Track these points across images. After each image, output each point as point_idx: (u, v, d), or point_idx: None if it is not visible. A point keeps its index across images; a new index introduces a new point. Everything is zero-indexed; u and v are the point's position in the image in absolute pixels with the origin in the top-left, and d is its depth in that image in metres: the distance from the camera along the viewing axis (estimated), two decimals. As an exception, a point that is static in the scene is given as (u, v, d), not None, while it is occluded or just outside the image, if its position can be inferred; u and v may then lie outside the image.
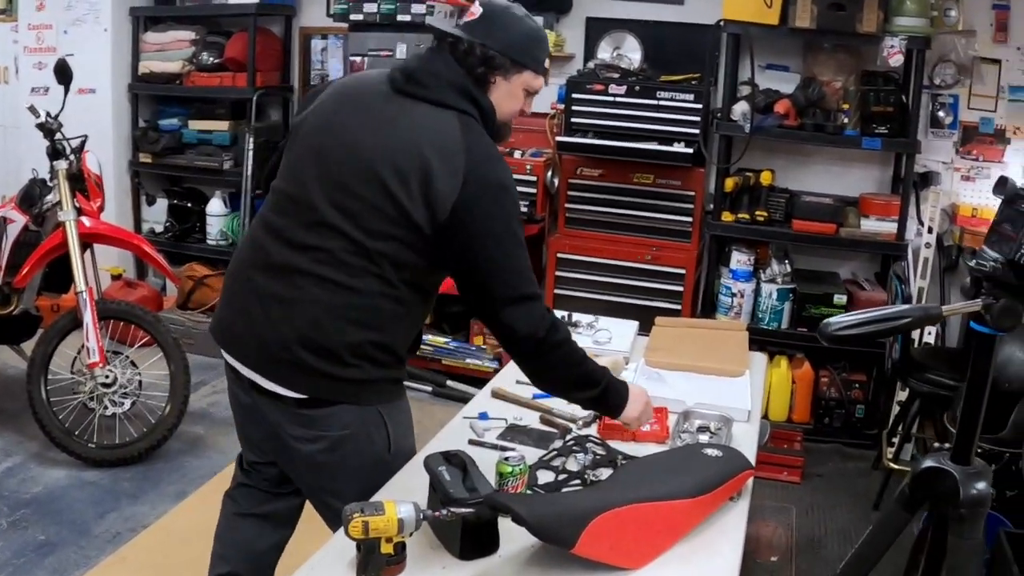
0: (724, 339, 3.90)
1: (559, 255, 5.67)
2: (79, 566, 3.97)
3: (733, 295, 5.50)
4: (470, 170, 2.40)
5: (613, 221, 5.63)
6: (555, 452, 2.89)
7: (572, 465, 2.81)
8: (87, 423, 4.86)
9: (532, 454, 2.86)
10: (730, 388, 3.44)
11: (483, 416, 3.10)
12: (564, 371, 2.66)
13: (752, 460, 2.79)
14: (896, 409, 5.16)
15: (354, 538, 2.08)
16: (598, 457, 2.86)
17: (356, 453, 2.63)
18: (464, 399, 5.67)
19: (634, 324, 4.02)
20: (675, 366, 3.58)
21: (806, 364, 5.57)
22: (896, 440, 5.01)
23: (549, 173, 5.73)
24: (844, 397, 5.53)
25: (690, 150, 5.28)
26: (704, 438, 3.01)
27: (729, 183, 5.49)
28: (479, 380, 5.72)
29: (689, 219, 5.53)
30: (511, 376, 3.47)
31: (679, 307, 5.53)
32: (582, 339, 3.59)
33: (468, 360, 5.97)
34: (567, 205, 5.70)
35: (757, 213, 5.48)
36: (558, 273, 5.67)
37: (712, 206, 5.61)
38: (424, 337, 5.85)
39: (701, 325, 4.14)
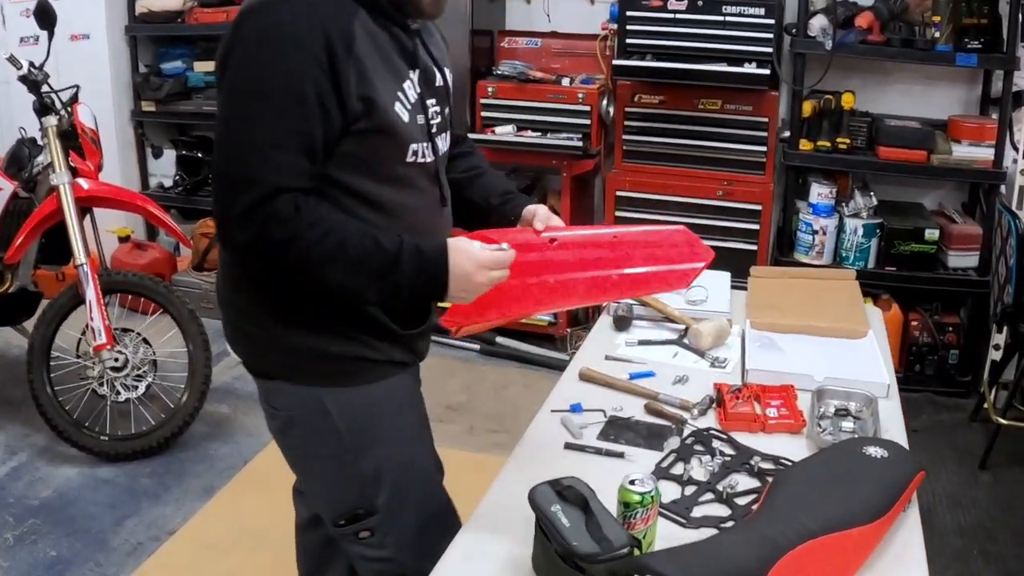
0: (833, 291, 3.32)
1: (618, 193, 5.07)
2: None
3: (814, 232, 4.94)
4: (239, 14, 1.96)
5: (677, 153, 5.03)
6: (674, 455, 2.31)
7: (698, 472, 2.24)
8: (98, 412, 4.33)
9: (645, 458, 2.30)
10: (856, 354, 2.89)
11: (576, 408, 2.52)
12: (311, 274, 1.98)
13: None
14: (992, 355, 4.75)
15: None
16: (727, 459, 2.29)
17: (305, 444, 2.30)
18: (517, 358, 5.16)
19: (725, 276, 3.42)
20: (786, 327, 3.00)
21: (894, 306, 5.04)
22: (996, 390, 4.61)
23: (604, 101, 5.09)
24: (937, 342, 5.05)
25: (765, 71, 4.65)
26: (848, 425, 2.46)
27: (807, 107, 4.90)
28: (532, 336, 5.22)
29: (763, 148, 4.94)
30: (596, 349, 2.89)
31: (755, 247, 4.96)
32: (671, 297, 3.08)
33: (519, 314, 5.34)
34: (625, 137, 5.09)
35: (838, 140, 4.90)
36: (617, 213, 5.07)
37: (788, 133, 4.98)
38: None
39: (803, 275, 3.55)
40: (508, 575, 1.91)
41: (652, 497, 1.88)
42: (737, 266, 3.80)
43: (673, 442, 2.36)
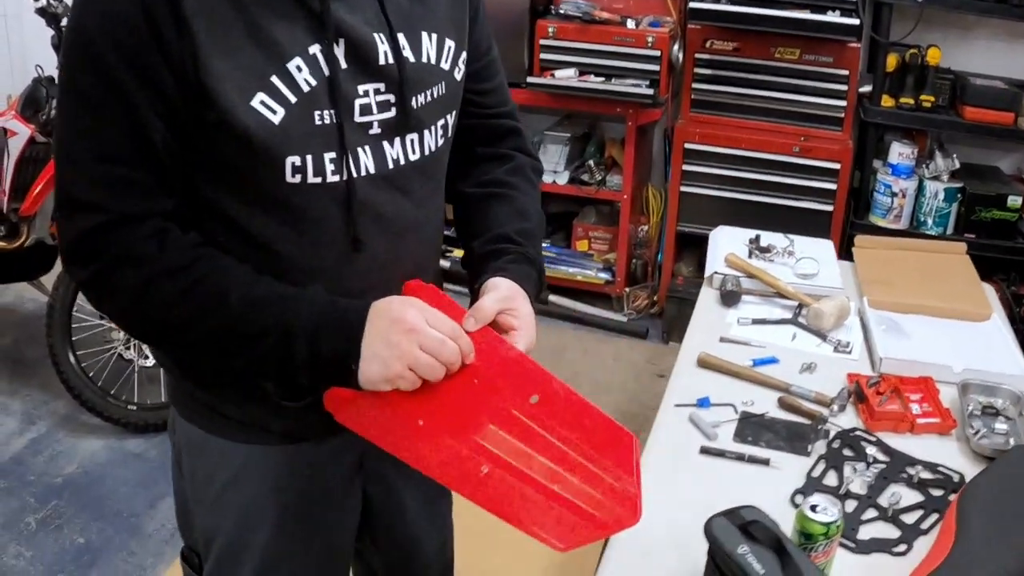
0: (946, 266, 3.05)
1: (686, 145, 4.73)
2: (131, 581, 3.16)
3: (893, 194, 4.63)
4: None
5: (751, 105, 4.69)
6: (823, 462, 2.04)
7: (856, 484, 1.97)
8: (124, 378, 4.03)
9: (791, 464, 2.04)
10: (985, 340, 2.64)
11: (703, 403, 2.25)
12: (157, 318, 1.48)
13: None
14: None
15: None
16: (883, 467, 2.02)
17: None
18: (571, 318, 4.87)
19: (828, 245, 3.14)
20: (904, 307, 2.74)
21: (972, 276, 4.69)
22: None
23: (675, 47, 4.76)
24: (1014, 314, 4.71)
25: (852, 20, 4.32)
26: (1001, 427, 2.23)
27: (892, 61, 4.55)
28: (587, 294, 4.93)
29: (842, 103, 4.61)
30: (706, 328, 2.62)
31: (830, 208, 4.65)
32: (779, 269, 2.82)
33: (572, 270, 5.09)
34: (694, 85, 4.74)
35: (922, 98, 4.56)
36: (685, 167, 4.75)
37: (869, 88, 4.65)
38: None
39: (910, 246, 3.25)
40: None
41: (837, 527, 1.62)
42: (811, 227, 3.54)
43: (819, 446, 2.09)
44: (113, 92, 1.37)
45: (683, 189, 4.78)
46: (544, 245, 4.87)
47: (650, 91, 4.62)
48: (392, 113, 1.53)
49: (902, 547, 1.82)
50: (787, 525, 1.63)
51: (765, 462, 2.04)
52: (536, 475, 1.42)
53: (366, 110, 1.50)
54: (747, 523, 1.54)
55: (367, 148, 1.51)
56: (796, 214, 4.55)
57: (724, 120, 4.72)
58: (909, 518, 1.90)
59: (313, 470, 1.73)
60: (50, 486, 3.63)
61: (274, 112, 1.40)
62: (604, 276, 4.99)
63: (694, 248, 4.87)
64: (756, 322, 2.64)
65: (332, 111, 1.44)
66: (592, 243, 5.06)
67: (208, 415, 1.68)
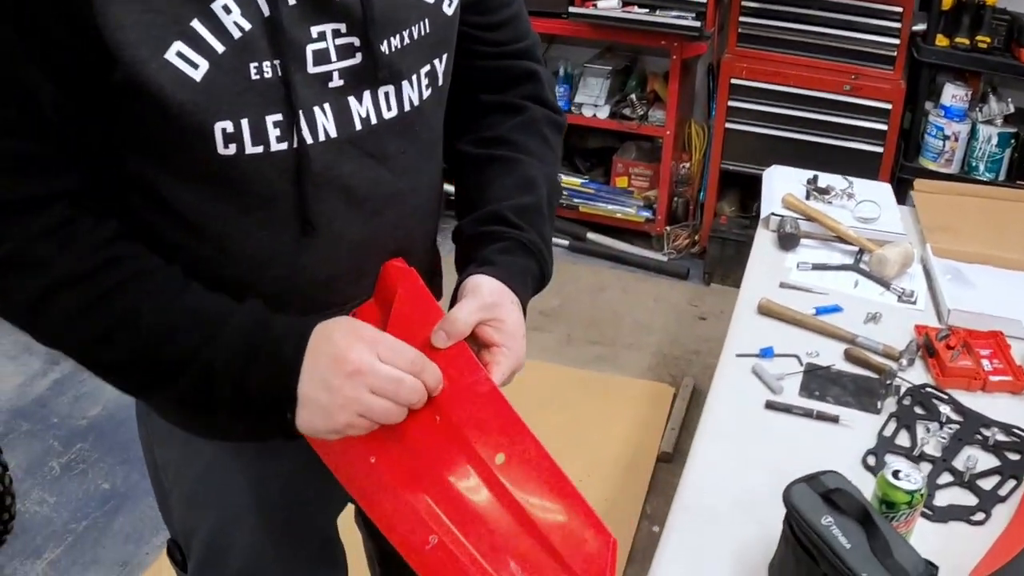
0: (1010, 213, 2.91)
1: (733, 80, 4.57)
2: (158, 531, 3.05)
3: (945, 138, 4.48)
4: None
5: (799, 40, 4.52)
6: (894, 420, 1.93)
7: (930, 446, 1.86)
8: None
9: (860, 422, 1.94)
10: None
11: (766, 353, 2.14)
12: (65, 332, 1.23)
13: None
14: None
15: None
16: (956, 427, 1.91)
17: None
18: (611, 256, 4.76)
19: (886, 188, 3.01)
20: (968, 256, 2.61)
21: (1021, 222, 4.54)
22: None
23: (722, -22, 4.60)
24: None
25: (911, -49, 4.16)
26: None
27: (947, -1, 4.39)
28: (627, 231, 4.81)
29: (895, 41, 4.44)
30: (765, 272, 2.51)
31: (880, 149, 4.49)
32: (838, 212, 2.69)
33: (611, 207, 4.95)
34: (741, 19, 4.57)
35: (978, 39, 4.39)
36: (731, 103, 4.59)
37: (923, 27, 4.49)
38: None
39: (971, 192, 3.12)
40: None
41: (921, 495, 1.52)
42: (860, 169, 3.40)
43: (889, 403, 1.98)
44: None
45: (728, 126, 4.62)
46: (582, 181, 4.81)
47: (696, 23, 4.46)
48: (357, 60, 1.22)
49: (980, 515, 1.72)
50: (859, 485, 1.52)
51: (834, 419, 1.93)
52: (486, 563, 1.18)
53: (322, 58, 1.19)
54: (830, 491, 1.43)
55: (326, 106, 1.22)
56: (844, 155, 4.41)
57: (772, 56, 4.55)
58: (986, 484, 1.79)
59: (293, 464, 1.48)
60: (74, 429, 3.55)
61: (195, 67, 1.10)
62: (644, 214, 4.86)
63: (737, 187, 4.75)
64: (816, 267, 2.52)
65: (275, 62, 1.15)
66: (632, 180, 4.92)
67: (171, 409, 1.46)
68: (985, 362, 2.13)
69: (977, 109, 4.49)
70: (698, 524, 1.69)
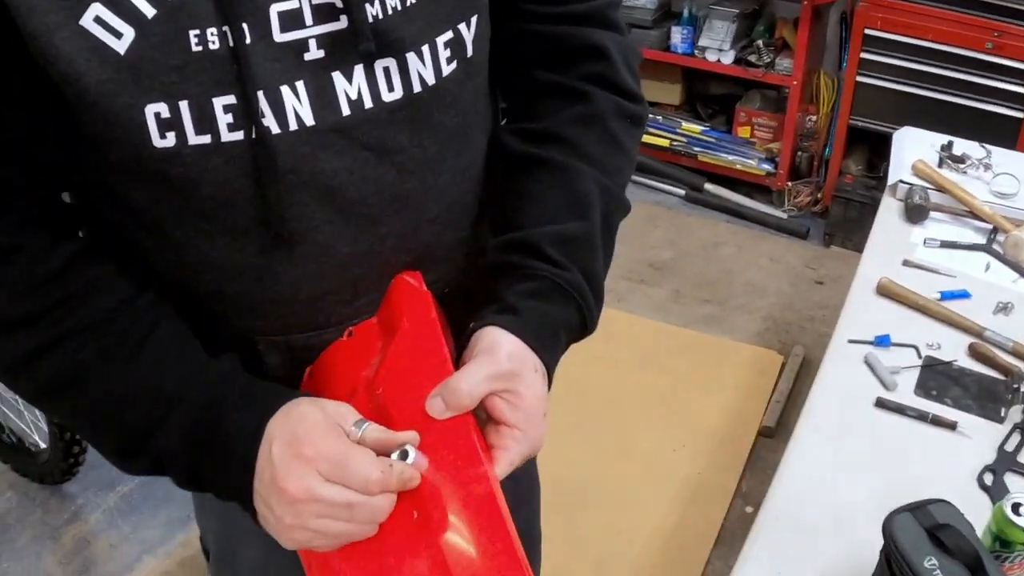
0: None
1: (866, 31, 4.29)
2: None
3: (1095, 103, 4.15)
4: None
5: (941, -9, 4.23)
6: (1019, 433, 1.73)
7: (1060, 463, 1.65)
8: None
9: (980, 431, 1.73)
10: None
11: (883, 342, 1.93)
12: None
13: None
14: None
15: None
16: (1093, 444, 1.70)
17: None
18: (728, 209, 4.54)
19: (1020, 157, 2.74)
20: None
21: None
22: None
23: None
24: None
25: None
26: None
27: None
28: (745, 184, 4.59)
29: (1045, -4, 4.13)
30: (887, 246, 2.29)
31: (1020, 115, 4.18)
32: (972, 184, 2.46)
33: (731, 157, 4.71)
34: (879, -35, 4.29)
35: None
36: (863, 55, 4.31)
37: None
38: (674, 126, 4.68)
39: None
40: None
41: (1047, 534, 1.30)
42: (997, 135, 3.13)
43: (1015, 412, 1.77)
44: None
45: (859, 79, 4.34)
46: (703, 129, 4.60)
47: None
48: (343, 24, 0.95)
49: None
50: (971, 508, 1.32)
51: (951, 426, 1.73)
52: None
53: (293, 21, 0.93)
54: (938, 526, 1.24)
55: (299, 85, 0.96)
56: (983, 118, 4.11)
57: (910, 7, 4.25)
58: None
59: None
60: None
61: (118, 35, 0.87)
62: (766, 167, 4.61)
63: (865, 144, 4.48)
64: (945, 245, 2.29)
65: (223, 28, 0.90)
66: (755, 130, 4.67)
67: None
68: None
69: None
70: (787, 536, 1.51)
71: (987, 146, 2.69)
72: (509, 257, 1.12)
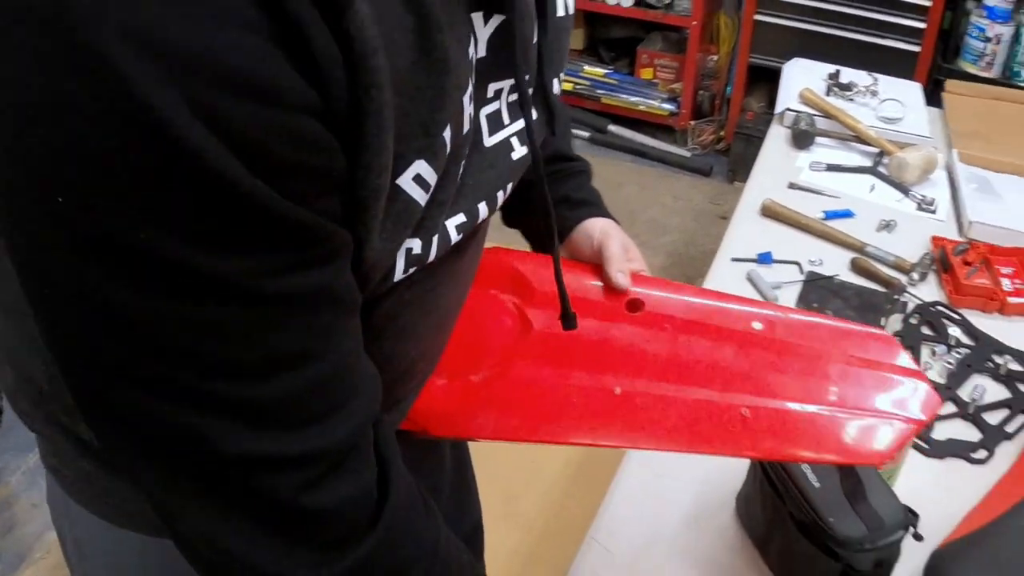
0: (1047, 121, 2.69)
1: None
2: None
3: (986, 40, 4.22)
4: None
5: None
6: (899, 339, 1.75)
7: (934, 371, 1.70)
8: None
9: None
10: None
11: (765, 259, 1.96)
12: None
13: None
14: None
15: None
16: (966, 352, 1.74)
17: None
18: (631, 150, 4.56)
19: (915, 87, 2.79)
20: (999, 165, 2.41)
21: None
22: None
23: None
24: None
25: None
26: None
27: None
28: (649, 125, 4.62)
29: (938, -68, 4.18)
30: (773, 170, 2.32)
31: (917, 48, 4.25)
32: (860, 111, 2.51)
33: (634, 99, 4.73)
34: None
35: (1029, -69, 4.14)
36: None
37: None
38: (577, 69, 4.68)
39: (1009, 97, 2.89)
40: (691, 507, 1.40)
41: (913, 425, 1.33)
42: (895, 68, 3.17)
43: (894, 320, 1.81)
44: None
45: (757, 18, 4.37)
46: (606, 71, 4.60)
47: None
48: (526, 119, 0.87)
49: (982, 453, 1.55)
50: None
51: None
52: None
53: (495, 123, 0.87)
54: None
55: (509, 187, 0.93)
56: (879, 52, 4.17)
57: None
58: (992, 418, 1.62)
59: None
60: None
61: (427, 189, 0.75)
62: (668, 107, 4.65)
63: (766, 82, 4.51)
64: (830, 168, 2.33)
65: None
66: (657, 71, 4.69)
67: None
68: (1006, 281, 1.94)
69: (1022, 12, 4.24)
70: (646, 478, 1.52)
71: (874, 74, 2.73)
72: (555, 167, 1.28)
